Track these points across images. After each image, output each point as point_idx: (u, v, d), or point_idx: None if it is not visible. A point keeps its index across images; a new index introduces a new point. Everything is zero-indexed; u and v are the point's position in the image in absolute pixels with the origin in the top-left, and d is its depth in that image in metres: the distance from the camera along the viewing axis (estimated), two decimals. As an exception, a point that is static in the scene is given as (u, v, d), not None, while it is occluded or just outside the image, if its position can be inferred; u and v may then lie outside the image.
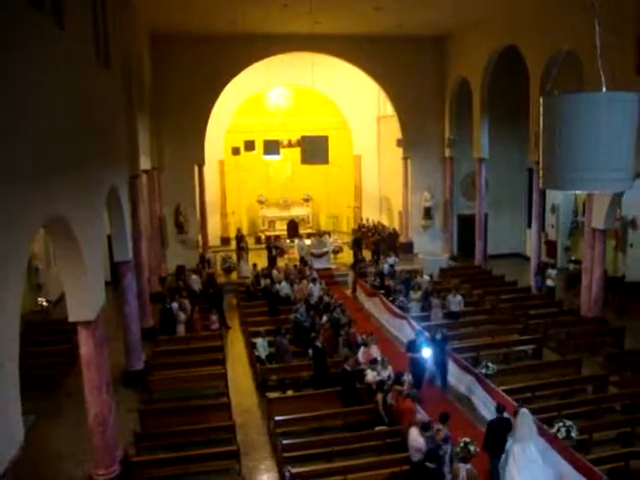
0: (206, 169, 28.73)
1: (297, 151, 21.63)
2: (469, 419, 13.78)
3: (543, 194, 24.06)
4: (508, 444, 10.56)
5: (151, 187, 23.29)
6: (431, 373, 15.60)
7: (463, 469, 9.63)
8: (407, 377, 13.53)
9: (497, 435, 10.91)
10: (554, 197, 26.88)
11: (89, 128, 11.03)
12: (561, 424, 11.39)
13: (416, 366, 14.90)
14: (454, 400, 14.83)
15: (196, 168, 27.66)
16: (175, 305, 19.11)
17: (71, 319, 10.20)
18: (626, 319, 19.67)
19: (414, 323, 17.96)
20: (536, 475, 10.29)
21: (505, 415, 11.35)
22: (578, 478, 10.34)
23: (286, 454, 11.59)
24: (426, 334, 15.72)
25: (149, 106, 23.09)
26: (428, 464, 10.19)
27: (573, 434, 11.21)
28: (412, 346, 15.27)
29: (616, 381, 14.94)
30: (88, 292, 10.12)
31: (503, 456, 10.48)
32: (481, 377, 14.34)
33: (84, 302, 10.16)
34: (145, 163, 20.47)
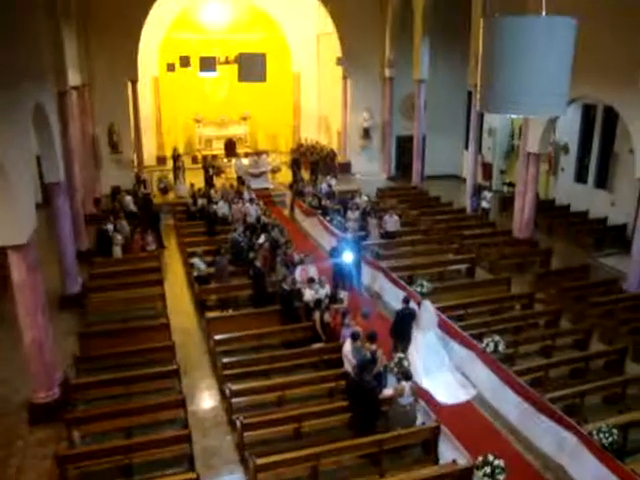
0: (140, 86, 27.59)
1: (234, 68, 20.95)
2: (382, 312, 15.40)
3: (481, 117, 24.29)
4: (412, 331, 12.36)
5: (82, 105, 22.25)
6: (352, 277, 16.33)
7: (407, 386, 10.11)
8: (344, 295, 13.90)
9: (403, 323, 12.61)
10: (491, 120, 27.17)
11: (3, 36, 10.22)
12: (490, 339, 12.01)
13: (338, 269, 15.82)
14: (366, 294, 16.36)
15: (129, 85, 26.49)
16: (111, 227, 18.71)
17: (0, 243, 9.87)
18: (554, 241, 20.53)
19: (336, 230, 18.98)
20: (433, 357, 12.18)
21: (410, 306, 12.95)
22: (472, 359, 12.13)
23: (226, 372, 11.83)
24: (343, 236, 16.89)
25: (76, 17, 21.66)
26: (364, 376, 10.58)
27: (500, 348, 11.86)
28: (334, 252, 16.28)
29: (542, 299, 15.73)
30: (16, 215, 9.76)
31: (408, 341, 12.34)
32: (389, 273, 15.91)
33: (13, 225, 9.82)
34: (74, 79, 19.44)
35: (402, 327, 12.61)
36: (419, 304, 13.13)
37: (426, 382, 11.82)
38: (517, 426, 10.75)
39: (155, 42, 30.65)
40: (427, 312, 12.57)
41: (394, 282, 15.74)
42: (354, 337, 11.17)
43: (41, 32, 13.87)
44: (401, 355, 11.62)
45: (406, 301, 13.03)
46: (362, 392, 10.16)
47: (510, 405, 11.02)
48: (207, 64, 24.94)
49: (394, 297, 15.24)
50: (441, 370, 12.28)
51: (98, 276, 16.80)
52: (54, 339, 11.58)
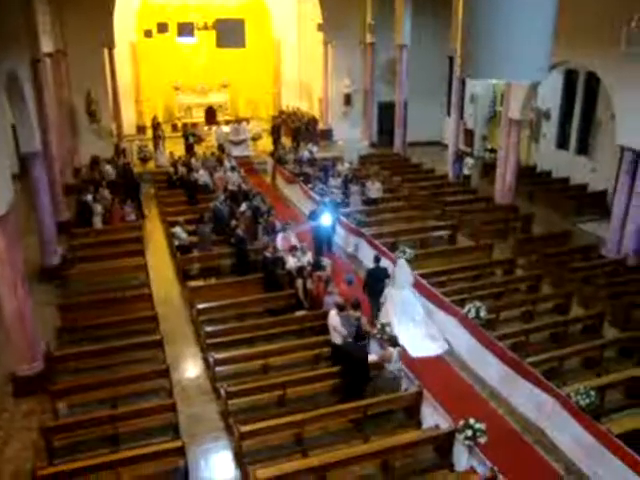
0: (117, 52, 26.97)
1: (213, 35, 20.57)
2: (349, 265, 16.50)
3: (463, 83, 24.16)
4: (387, 289, 12.83)
5: (57, 72, 21.74)
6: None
7: (395, 352, 10.23)
8: (326, 262, 13.95)
9: (374, 280, 13.05)
10: (473, 86, 27.02)
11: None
12: (471, 305, 12.14)
13: (317, 233, 16.29)
14: (345, 258, 17.12)
15: (106, 51, 25.90)
16: (90, 197, 18.49)
17: (-23, 216, 9.73)
18: (535, 207, 20.65)
19: (314, 194, 19.41)
20: (408, 312, 12.64)
21: (381, 264, 13.40)
22: (439, 312, 12.78)
23: (209, 341, 11.86)
24: (321, 199, 17.49)
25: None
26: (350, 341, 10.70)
27: (482, 314, 12.00)
28: (313, 215, 16.68)
29: (523, 264, 15.89)
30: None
31: (381, 299, 12.84)
32: (367, 236, 16.49)
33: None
34: (48, 45, 18.96)
35: (373, 284, 13.11)
36: (394, 262, 13.59)
37: (399, 336, 11.91)
38: (498, 390, 10.95)
39: (132, 8, 29.91)
40: (402, 270, 12.94)
41: (374, 246, 15.96)
42: (340, 308, 11.21)
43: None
44: (384, 322, 11.71)
45: (377, 260, 13.52)
46: (356, 360, 10.25)
47: (491, 369, 11.21)
48: (185, 30, 24.48)
49: (368, 257, 15.50)
50: (414, 325, 12.69)
51: (78, 247, 16.64)
52: (35, 311, 11.51)
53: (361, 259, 16.60)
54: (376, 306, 13.02)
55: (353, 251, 17.16)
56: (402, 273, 12.92)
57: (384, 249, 15.51)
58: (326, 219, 16.10)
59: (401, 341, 11.35)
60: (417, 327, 12.69)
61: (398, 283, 12.83)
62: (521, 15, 3.71)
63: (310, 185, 20.89)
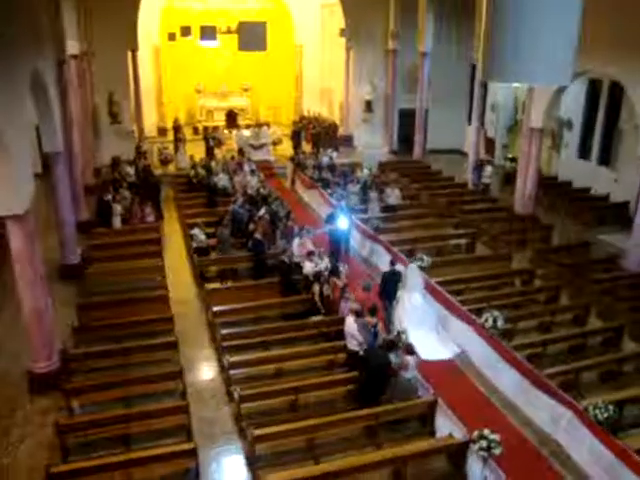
0: (140, 55, 27.27)
1: (236, 39, 20.69)
2: (365, 271, 16.47)
3: (484, 91, 24.04)
4: (399, 292, 12.94)
5: (81, 73, 21.95)
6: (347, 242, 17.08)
7: (411, 360, 10.18)
8: (343, 268, 13.91)
9: (390, 283, 13.14)
10: (495, 94, 26.90)
11: None
12: (489, 314, 12.01)
13: (334, 236, 16.37)
14: (360, 262, 17.17)
15: (130, 54, 26.18)
16: (110, 197, 18.64)
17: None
18: (555, 217, 20.45)
19: (326, 195, 19.76)
20: (419, 316, 12.78)
21: (397, 268, 13.42)
22: (455, 320, 12.71)
23: (224, 343, 11.86)
24: (336, 202, 17.66)
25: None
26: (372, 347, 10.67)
27: (499, 323, 11.86)
28: (329, 218, 16.78)
29: (542, 274, 15.72)
30: (14, 184, 9.69)
31: (394, 302, 12.98)
32: (383, 241, 16.48)
33: (11, 195, 9.75)
34: (73, 47, 19.16)
35: (389, 288, 13.18)
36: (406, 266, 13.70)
37: (411, 339, 11.86)
38: (514, 401, 10.81)
39: (156, 11, 30.23)
40: (413, 274, 13.18)
41: (388, 250, 15.99)
42: (357, 314, 11.16)
43: (38, 0, 13.66)
44: (400, 329, 11.64)
45: (392, 263, 13.58)
46: (376, 367, 10.20)
47: (507, 380, 11.08)
48: (207, 33, 24.70)
49: (383, 261, 15.58)
50: (425, 328, 12.78)
51: (97, 247, 16.77)
52: (53, 309, 11.61)
53: (376, 263, 16.58)
54: (390, 307, 13.13)
55: (368, 255, 17.20)
56: (413, 277, 13.15)
57: (399, 254, 15.47)
58: (343, 222, 16.11)
59: (412, 343, 11.27)
60: (428, 331, 12.83)
61: (409, 286, 13.04)
62: (546, 19, 3.67)
63: (329, 191, 20.87)
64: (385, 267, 14.10)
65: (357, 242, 17.79)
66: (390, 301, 13.15)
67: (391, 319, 12.87)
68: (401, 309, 12.89)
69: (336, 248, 16.23)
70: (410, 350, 10.45)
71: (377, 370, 10.21)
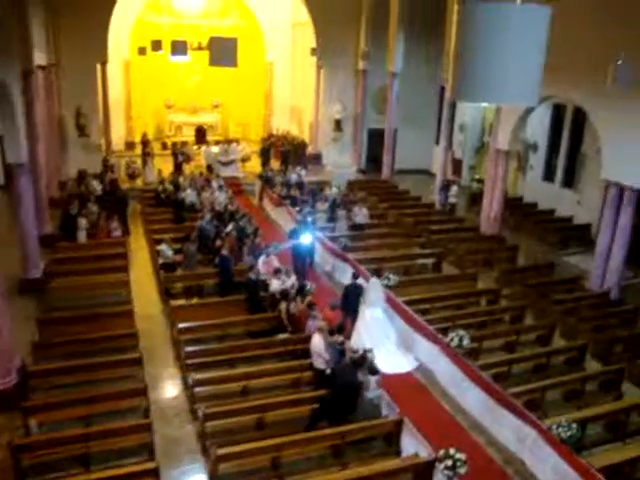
0: (110, 68, 27.04)
1: (207, 55, 20.68)
2: (332, 288, 16.44)
3: (452, 112, 24.40)
4: (360, 305, 13.13)
5: (48, 85, 21.71)
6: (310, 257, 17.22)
7: (373, 380, 10.18)
8: (311, 286, 13.88)
9: (351, 296, 13.45)
10: (463, 116, 27.33)
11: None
12: (454, 333, 12.07)
13: (297, 251, 16.39)
14: (322, 274, 17.48)
15: (99, 67, 25.94)
16: (75, 211, 18.34)
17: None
18: (521, 238, 20.76)
19: (294, 213, 19.82)
20: (379, 330, 12.93)
21: (358, 282, 13.81)
22: (421, 339, 12.82)
23: (189, 361, 11.68)
24: (300, 217, 17.75)
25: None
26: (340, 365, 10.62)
27: (465, 342, 11.92)
28: (293, 233, 17.01)
29: (507, 294, 15.90)
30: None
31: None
32: (350, 260, 16.51)
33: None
34: (40, 58, 18.95)
35: (350, 301, 13.47)
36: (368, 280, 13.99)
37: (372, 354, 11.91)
38: (479, 420, 10.85)
39: (127, 24, 30.03)
40: (374, 289, 13.32)
41: (353, 266, 16.10)
42: (330, 332, 11.11)
43: (5, 9, 13.48)
44: (366, 348, 11.61)
45: (355, 277, 13.99)
46: (345, 385, 10.12)
47: (473, 399, 11.12)
48: (178, 48, 24.68)
49: (345, 277, 15.81)
50: (385, 342, 12.91)
51: (61, 261, 16.43)
52: (12, 324, 11.29)
53: (339, 279, 16.73)
54: (353, 322, 13.25)
55: (332, 271, 17.36)
56: (374, 291, 13.28)
57: (363, 269, 15.59)
58: (306, 238, 16.18)
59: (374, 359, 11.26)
60: (388, 345, 12.93)
61: (370, 301, 13.15)
62: (513, 39, 3.72)
63: (297, 208, 20.86)
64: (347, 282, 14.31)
65: (321, 258, 17.88)
66: (351, 314, 13.35)
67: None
68: (361, 323, 13.03)
69: (300, 263, 16.28)
70: (373, 370, 10.42)
71: (345, 388, 10.14)
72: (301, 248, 16.30)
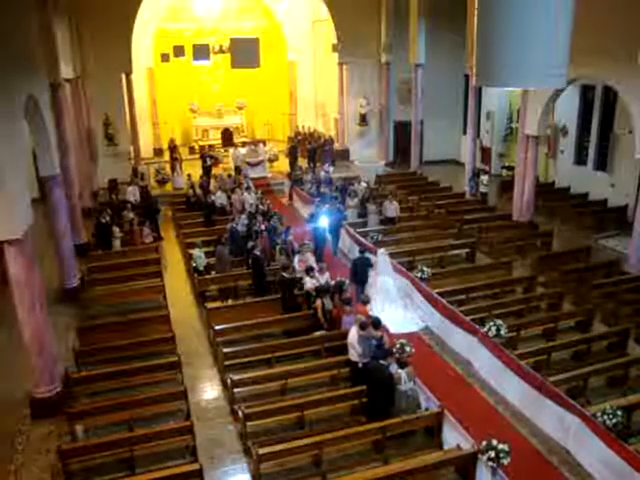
0: (135, 77, 27.34)
1: (229, 58, 20.76)
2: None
3: (479, 100, 24.11)
4: (371, 276, 14.74)
5: (76, 98, 22.06)
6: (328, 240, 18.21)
7: (403, 373, 10.10)
8: (348, 284, 13.88)
9: (359, 268, 14.75)
10: (489, 103, 26.99)
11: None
12: (492, 323, 11.94)
13: (316, 233, 17.54)
14: (343, 260, 18.10)
15: (124, 76, 26.27)
16: (108, 219, 18.64)
17: (-3, 238, 9.80)
18: (555, 223, 20.42)
19: (313, 199, 20.78)
20: (388, 296, 14.48)
21: (365, 255, 15.16)
22: (463, 333, 12.77)
23: (227, 362, 11.79)
24: (324, 206, 18.69)
25: (68, 10, 21.34)
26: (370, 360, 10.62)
27: (502, 332, 11.79)
28: (312, 217, 18.12)
29: (543, 281, 15.65)
30: (11, 209, 9.67)
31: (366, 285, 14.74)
32: (368, 243, 17.18)
33: (8, 220, 9.72)
34: (67, 72, 19.26)
35: (359, 272, 14.74)
36: (375, 253, 15.47)
37: (381, 316, 12.42)
38: (521, 410, 10.71)
39: (149, 33, 30.43)
40: (382, 259, 15.00)
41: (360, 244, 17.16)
42: (362, 326, 11.09)
43: (32, 25, 13.73)
44: (403, 341, 11.54)
45: (361, 251, 15.39)
46: (377, 380, 10.12)
47: (513, 389, 10.98)
48: (200, 52, 24.83)
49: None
50: (393, 306, 14.35)
51: (96, 269, 16.71)
52: (54, 333, 11.53)
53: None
54: (362, 291, 14.50)
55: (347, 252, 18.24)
56: (382, 262, 14.92)
57: (368, 243, 17.01)
58: (323, 220, 17.45)
59: (383, 321, 11.76)
60: (396, 308, 14.34)
61: (379, 270, 14.81)
62: (539, 18, 3.65)
63: (327, 205, 20.78)
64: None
65: (346, 247, 18.55)
66: (362, 284, 14.66)
67: (360, 297, 13.51)
68: (373, 290, 14.50)
69: (319, 245, 17.22)
70: (402, 363, 10.32)
71: (379, 382, 10.11)
72: (319, 230, 17.50)
